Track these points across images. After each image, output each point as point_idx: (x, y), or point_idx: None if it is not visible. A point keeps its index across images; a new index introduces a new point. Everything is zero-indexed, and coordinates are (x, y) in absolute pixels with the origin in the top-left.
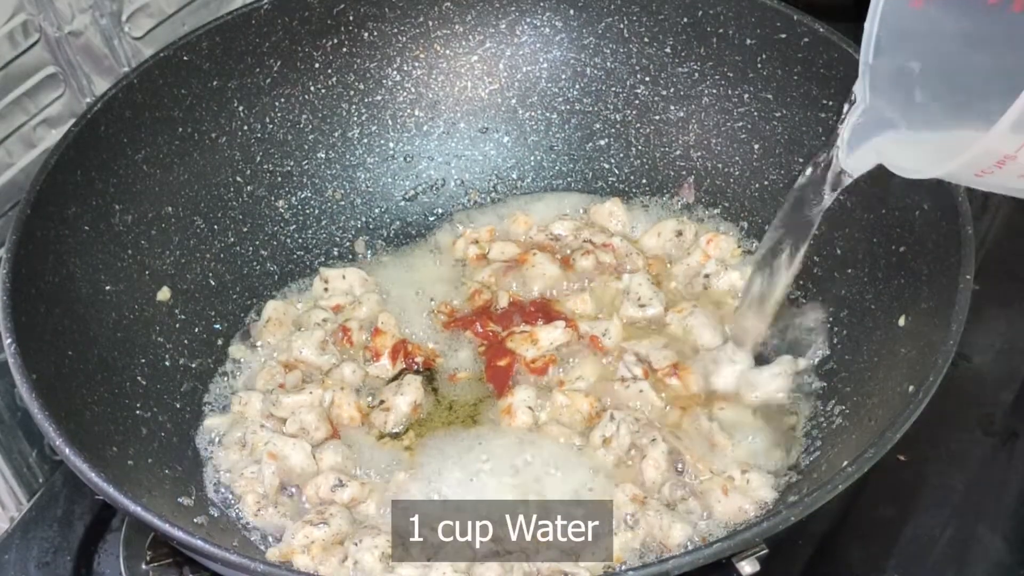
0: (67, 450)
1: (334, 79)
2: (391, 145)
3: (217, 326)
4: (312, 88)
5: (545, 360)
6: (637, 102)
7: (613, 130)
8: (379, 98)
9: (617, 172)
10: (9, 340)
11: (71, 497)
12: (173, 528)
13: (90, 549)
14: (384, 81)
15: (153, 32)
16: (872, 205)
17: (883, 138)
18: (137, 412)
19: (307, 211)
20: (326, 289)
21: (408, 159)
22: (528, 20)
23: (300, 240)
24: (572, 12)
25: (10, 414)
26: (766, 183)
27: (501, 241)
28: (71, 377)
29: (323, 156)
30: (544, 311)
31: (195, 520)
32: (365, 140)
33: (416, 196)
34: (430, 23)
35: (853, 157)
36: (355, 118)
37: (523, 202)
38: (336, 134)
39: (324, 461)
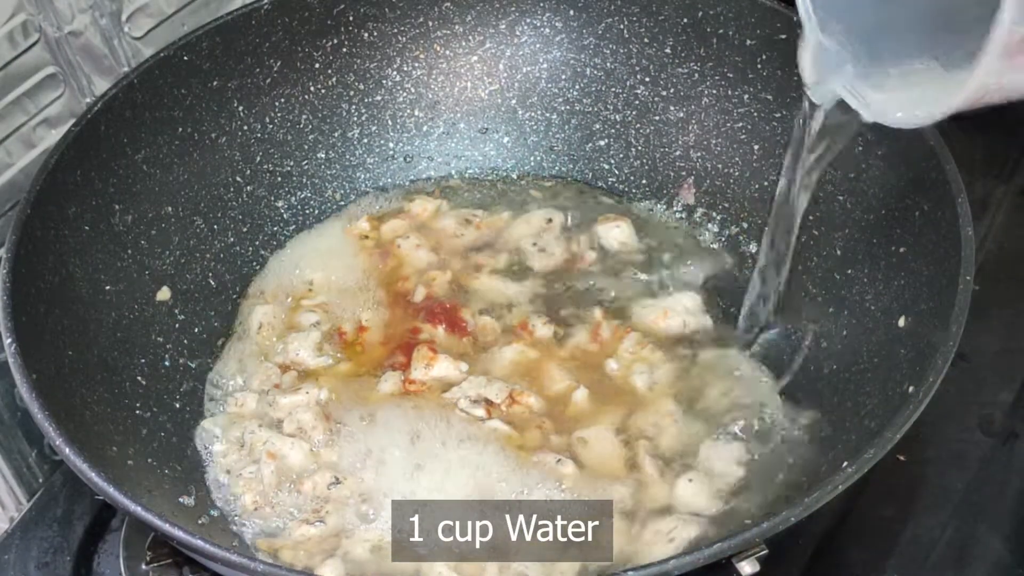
0: (67, 450)
1: (334, 79)
2: (391, 145)
3: (217, 326)
4: (312, 88)
5: (419, 386)
6: (637, 103)
7: (613, 131)
8: (379, 98)
9: (617, 172)
10: (9, 340)
11: (71, 497)
12: (174, 528)
13: (90, 549)
14: (384, 81)
15: (153, 32)
16: (872, 205)
17: (845, 76)
18: (137, 412)
19: (307, 211)
20: (310, 290)
21: (408, 159)
22: (528, 20)
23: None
24: (572, 12)
25: (10, 414)
26: (766, 183)
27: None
28: (71, 377)
29: (323, 156)
30: (449, 316)
31: (196, 520)
32: (365, 140)
33: (416, 196)
34: (430, 23)
35: (819, 92)
36: (355, 118)
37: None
38: (336, 134)
39: (321, 459)
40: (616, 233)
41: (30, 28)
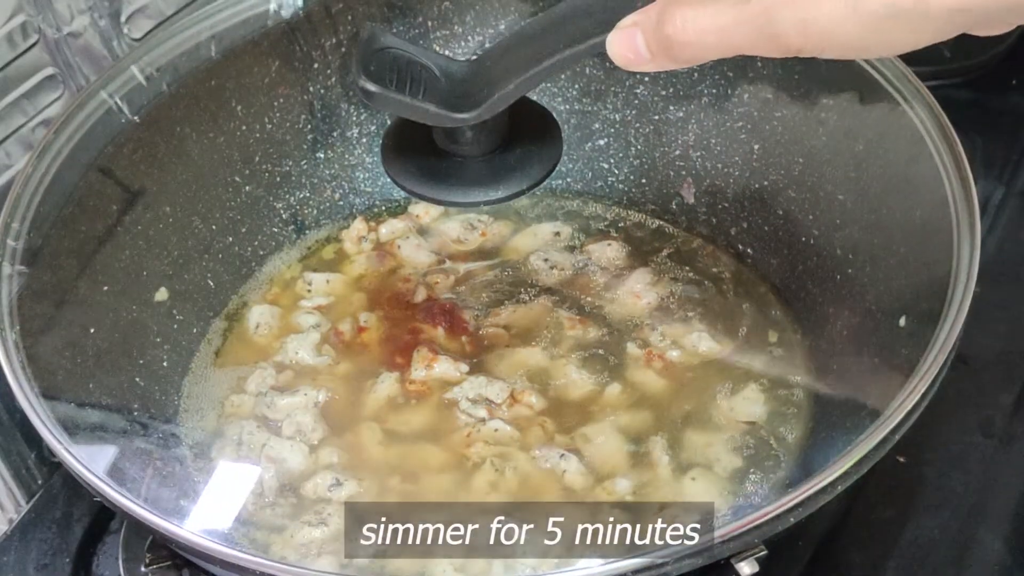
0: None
1: (334, 79)
2: None
3: (215, 326)
4: (311, 88)
5: (419, 386)
6: (636, 102)
7: (612, 130)
8: None
9: (616, 172)
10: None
11: (70, 499)
12: (174, 530)
13: (89, 551)
14: None
15: (152, 33)
16: (872, 205)
17: None
18: (135, 413)
19: (305, 211)
20: (309, 291)
21: None
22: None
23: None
24: None
25: (8, 416)
26: (766, 183)
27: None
28: (69, 378)
29: (322, 156)
30: (450, 315)
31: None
32: (364, 140)
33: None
34: (429, 23)
35: None
36: (354, 118)
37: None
38: (335, 134)
39: (321, 461)
40: (608, 251)
41: (29, 29)
